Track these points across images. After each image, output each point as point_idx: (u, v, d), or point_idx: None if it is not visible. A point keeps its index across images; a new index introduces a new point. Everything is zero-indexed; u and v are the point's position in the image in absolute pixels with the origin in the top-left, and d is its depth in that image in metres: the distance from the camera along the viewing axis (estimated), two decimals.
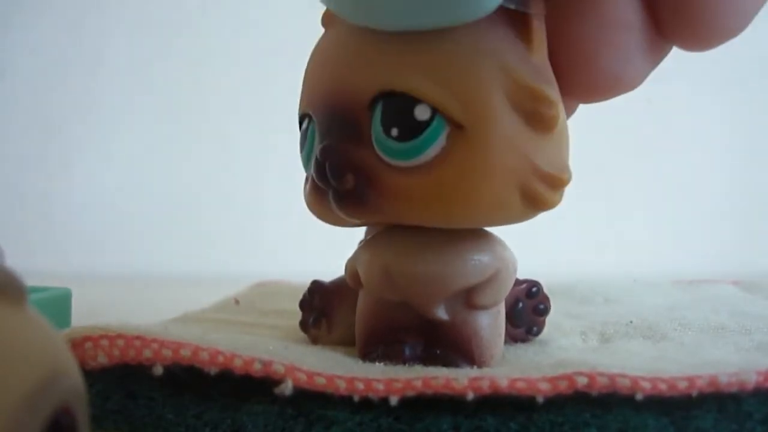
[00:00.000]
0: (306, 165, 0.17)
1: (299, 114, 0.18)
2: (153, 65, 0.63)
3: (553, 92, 0.15)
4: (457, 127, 0.15)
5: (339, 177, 0.15)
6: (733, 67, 0.58)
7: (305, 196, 0.18)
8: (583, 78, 0.16)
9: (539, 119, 0.15)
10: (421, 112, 0.15)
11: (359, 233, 0.24)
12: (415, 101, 0.15)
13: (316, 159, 0.16)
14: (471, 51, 0.15)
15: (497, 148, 0.15)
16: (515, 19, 0.15)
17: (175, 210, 0.62)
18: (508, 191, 0.15)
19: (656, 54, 0.17)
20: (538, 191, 0.15)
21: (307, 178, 0.18)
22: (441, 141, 0.15)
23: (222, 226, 0.61)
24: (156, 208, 0.62)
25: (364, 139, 0.15)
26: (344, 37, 0.16)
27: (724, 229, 0.57)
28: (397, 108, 0.15)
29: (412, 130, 0.15)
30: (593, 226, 0.53)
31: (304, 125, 0.17)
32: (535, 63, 0.15)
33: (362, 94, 0.15)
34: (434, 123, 0.15)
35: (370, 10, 0.14)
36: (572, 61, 0.16)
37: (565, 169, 0.16)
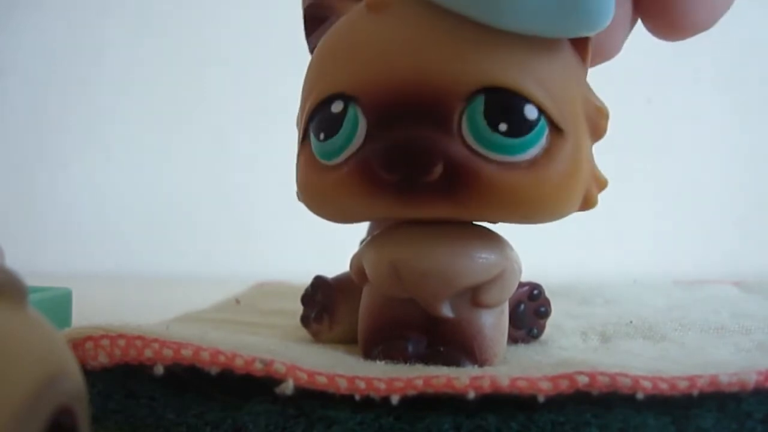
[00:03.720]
0: (339, 152, 0.16)
1: (324, 94, 0.16)
2: (153, 65, 0.63)
3: (605, 106, 0.17)
4: (556, 130, 0.16)
5: (430, 166, 0.15)
6: (733, 68, 0.58)
7: (325, 186, 0.16)
8: None
9: (597, 130, 0.17)
10: (530, 112, 0.15)
11: (359, 233, 0.24)
12: (524, 100, 0.15)
13: (395, 145, 0.15)
14: (564, 62, 0.16)
15: (583, 153, 0.16)
16: (576, 39, 0.16)
17: (174, 210, 0.62)
18: (580, 192, 0.17)
19: (632, 24, 0.18)
20: (592, 193, 0.17)
21: (328, 168, 0.16)
22: (543, 142, 0.15)
23: (222, 226, 0.61)
24: (156, 208, 0.62)
25: (451, 129, 0.15)
26: (420, 21, 0.15)
27: (725, 230, 0.57)
28: (507, 104, 0.15)
29: (522, 127, 0.15)
30: (593, 226, 0.53)
31: (337, 107, 0.16)
32: (587, 79, 0.17)
33: (459, 85, 0.15)
34: (540, 123, 0.15)
35: (492, 6, 0.15)
36: None
37: (601, 172, 0.17)
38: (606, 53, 0.18)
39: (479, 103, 0.15)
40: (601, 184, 0.17)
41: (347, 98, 0.16)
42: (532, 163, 0.15)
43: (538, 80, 0.15)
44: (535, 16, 0.14)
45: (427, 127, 0.15)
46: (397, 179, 0.15)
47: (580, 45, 0.17)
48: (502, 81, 0.15)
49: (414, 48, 0.15)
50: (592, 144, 0.17)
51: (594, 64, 0.18)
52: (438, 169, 0.15)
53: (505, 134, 0.15)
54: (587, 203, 0.17)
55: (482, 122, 0.15)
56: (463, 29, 0.15)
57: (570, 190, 0.16)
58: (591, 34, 0.15)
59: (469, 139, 0.15)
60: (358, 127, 0.16)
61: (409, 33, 0.15)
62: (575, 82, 0.16)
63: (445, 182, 0.15)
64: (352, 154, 0.16)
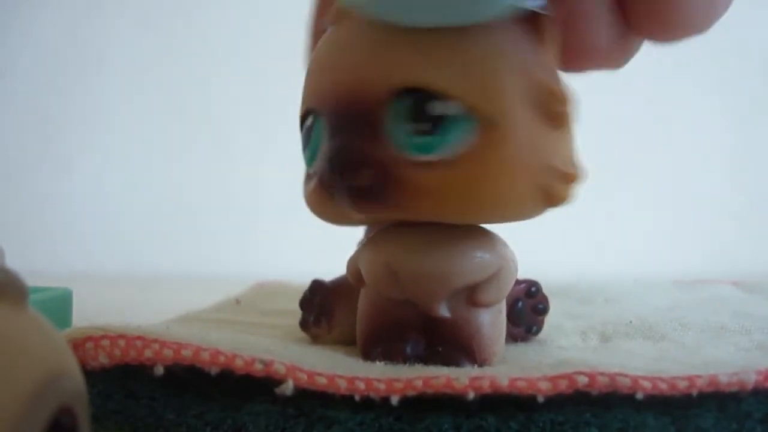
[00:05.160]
0: (310, 162, 0.17)
1: (302, 110, 0.17)
2: (153, 65, 0.63)
3: (565, 89, 0.16)
4: (482, 123, 0.15)
5: (355, 172, 0.15)
6: (733, 67, 0.58)
7: (307, 194, 0.18)
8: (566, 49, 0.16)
9: (554, 116, 0.16)
10: (446, 108, 0.15)
11: (359, 233, 0.24)
12: (439, 96, 0.15)
13: (330, 154, 0.16)
14: (492, 49, 0.15)
15: (520, 145, 0.15)
16: (529, 19, 0.16)
17: (175, 210, 0.62)
18: (527, 187, 0.15)
19: (628, 44, 0.17)
20: (553, 187, 0.16)
21: (309, 176, 0.18)
22: (466, 137, 0.15)
23: (222, 226, 0.61)
24: (156, 208, 0.62)
25: (379, 134, 0.15)
26: (357, 32, 0.16)
27: (725, 230, 0.57)
28: (421, 103, 0.15)
29: (437, 124, 0.15)
30: (593, 226, 0.53)
31: (309, 121, 0.17)
32: (546, 61, 0.16)
33: (379, 89, 0.15)
34: (459, 118, 0.15)
35: (394, 5, 0.15)
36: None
37: (576, 164, 0.16)
38: (590, 54, 0.16)
39: (396, 105, 0.15)
40: (569, 176, 0.16)
41: (314, 112, 0.17)
42: (457, 160, 0.15)
43: (460, 74, 0.15)
44: (431, 6, 0.14)
45: (359, 134, 0.15)
46: (338, 186, 0.16)
47: (535, 24, 0.16)
48: (417, 80, 0.15)
49: (348, 59, 0.16)
50: (553, 130, 0.16)
51: (583, 66, 0.17)
52: (365, 175, 0.15)
53: (421, 133, 0.15)
54: (552, 198, 0.16)
55: (399, 124, 0.15)
56: (388, 35, 0.15)
57: (504, 184, 0.15)
58: (496, 18, 0.15)
59: (393, 142, 0.15)
60: (321, 137, 0.16)
61: (350, 45, 0.16)
62: (514, 67, 0.15)
63: (377, 186, 0.15)
64: (318, 163, 0.17)
